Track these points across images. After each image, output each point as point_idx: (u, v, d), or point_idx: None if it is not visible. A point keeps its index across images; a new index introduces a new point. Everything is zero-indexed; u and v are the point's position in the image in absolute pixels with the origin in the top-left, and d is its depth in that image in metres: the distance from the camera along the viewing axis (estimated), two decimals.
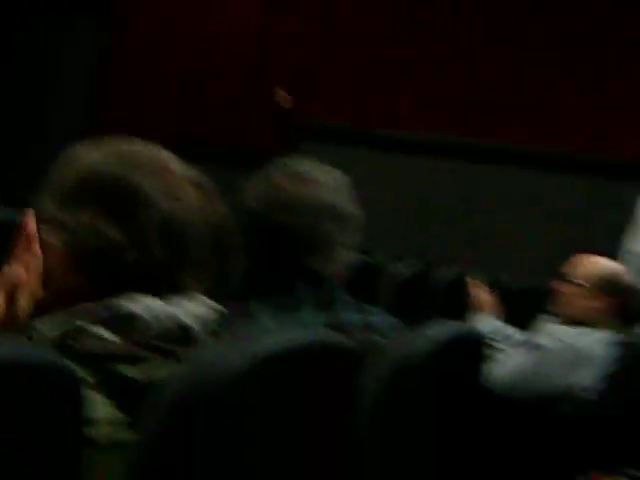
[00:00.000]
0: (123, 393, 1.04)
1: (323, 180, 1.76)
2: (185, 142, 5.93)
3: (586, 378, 2.82)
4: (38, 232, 1.17)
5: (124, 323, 1.09)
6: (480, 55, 7.44)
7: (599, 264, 3.10)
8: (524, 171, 7.18)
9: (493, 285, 3.62)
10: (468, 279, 3.53)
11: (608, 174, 6.87)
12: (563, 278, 3.11)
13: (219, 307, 1.18)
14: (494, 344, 2.87)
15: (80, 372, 0.98)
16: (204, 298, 1.17)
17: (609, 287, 3.01)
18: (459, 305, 3.64)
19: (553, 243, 6.70)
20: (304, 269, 1.71)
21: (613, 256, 3.41)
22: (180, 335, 1.12)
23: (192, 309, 1.14)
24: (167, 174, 1.19)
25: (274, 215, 1.72)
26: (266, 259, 1.74)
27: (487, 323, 3.12)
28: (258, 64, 8.15)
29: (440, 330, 1.65)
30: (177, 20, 7.99)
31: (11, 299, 1.15)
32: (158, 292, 1.13)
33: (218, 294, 1.19)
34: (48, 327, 1.10)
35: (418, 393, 1.56)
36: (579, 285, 3.03)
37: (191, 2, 8.10)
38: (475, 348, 1.91)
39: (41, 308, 1.15)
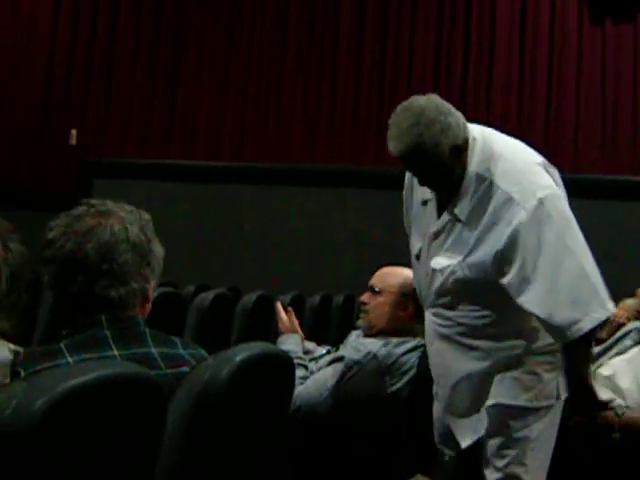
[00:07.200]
0: None
1: (123, 215, 1.76)
2: None
3: (395, 385, 2.92)
4: None
5: None
6: None
7: (402, 273, 3.20)
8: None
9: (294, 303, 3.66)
10: (275, 300, 3.55)
11: None
12: (369, 290, 3.18)
13: (18, 349, 1.17)
14: (297, 361, 2.91)
15: None
16: (2, 342, 1.16)
17: (413, 292, 3.10)
18: (265, 327, 3.67)
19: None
20: (103, 302, 1.70)
21: None
22: None
23: None
24: None
25: (70, 244, 1.70)
26: (64, 292, 1.71)
27: (289, 342, 3.17)
28: (47, 105, 8.00)
29: (242, 353, 1.66)
30: None
31: None
32: None
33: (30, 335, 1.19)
34: None
35: (222, 417, 1.57)
36: (385, 294, 3.12)
37: None
38: (281, 366, 1.93)
39: None
